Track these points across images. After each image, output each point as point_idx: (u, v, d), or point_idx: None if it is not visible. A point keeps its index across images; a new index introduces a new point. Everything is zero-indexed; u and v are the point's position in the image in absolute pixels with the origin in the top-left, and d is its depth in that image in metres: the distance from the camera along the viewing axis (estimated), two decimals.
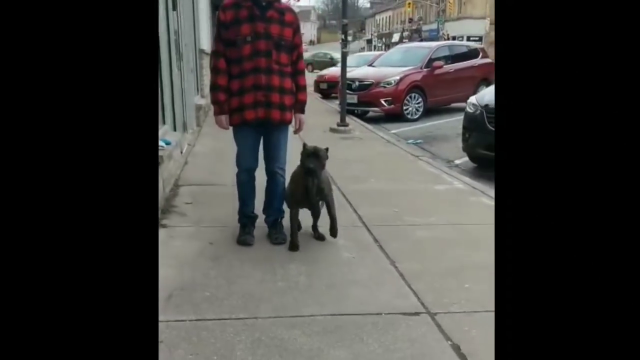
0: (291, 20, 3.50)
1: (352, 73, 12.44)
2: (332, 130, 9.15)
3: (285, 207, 3.85)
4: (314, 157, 3.53)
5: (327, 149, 3.67)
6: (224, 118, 3.56)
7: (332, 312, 2.77)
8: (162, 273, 3.10)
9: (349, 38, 9.93)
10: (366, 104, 11.69)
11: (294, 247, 3.62)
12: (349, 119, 10.32)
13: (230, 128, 3.63)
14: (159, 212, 4.27)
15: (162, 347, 2.40)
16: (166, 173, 4.68)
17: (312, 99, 15.73)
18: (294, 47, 3.56)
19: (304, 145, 3.57)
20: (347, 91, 11.64)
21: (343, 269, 3.35)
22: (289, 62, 3.54)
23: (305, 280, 3.16)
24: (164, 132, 5.02)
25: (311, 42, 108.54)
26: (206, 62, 9.17)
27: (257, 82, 3.42)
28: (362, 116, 11.90)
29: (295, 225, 3.68)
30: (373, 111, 11.87)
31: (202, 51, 10.02)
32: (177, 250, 3.55)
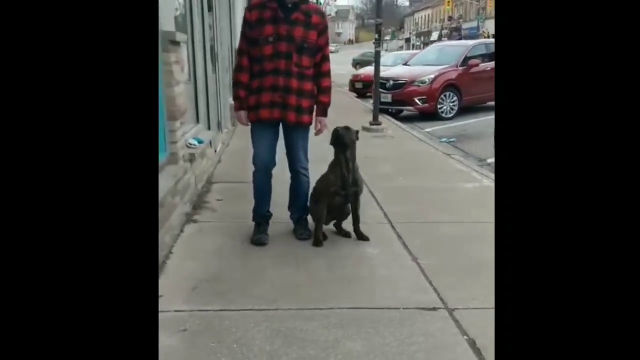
0: (317, 22, 3.50)
1: (386, 72, 12.46)
2: (365, 129, 9.17)
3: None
4: (345, 131, 3.69)
5: (357, 131, 3.81)
6: (243, 114, 3.62)
7: (350, 305, 2.84)
8: (189, 265, 3.26)
9: (387, 37, 9.97)
10: (400, 102, 11.69)
11: (317, 242, 3.69)
12: (382, 118, 10.34)
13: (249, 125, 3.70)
14: (191, 207, 4.42)
15: (185, 335, 2.52)
16: (198, 170, 4.82)
17: (347, 98, 15.85)
18: (318, 49, 3.55)
19: (335, 128, 3.70)
20: (381, 90, 11.67)
21: (364, 264, 3.42)
22: (311, 65, 3.54)
23: (326, 274, 3.24)
24: (197, 130, 5.17)
25: (350, 41, 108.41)
26: None
27: (275, 83, 3.46)
28: (396, 115, 11.90)
29: (321, 221, 3.74)
30: (407, 110, 11.86)
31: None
32: (205, 244, 3.67)
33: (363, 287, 3.08)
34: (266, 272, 3.23)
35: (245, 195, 4.85)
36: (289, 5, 3.44)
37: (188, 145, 4.63)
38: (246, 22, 3.50)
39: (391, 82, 11.84)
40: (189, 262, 3.34)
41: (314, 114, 3.70)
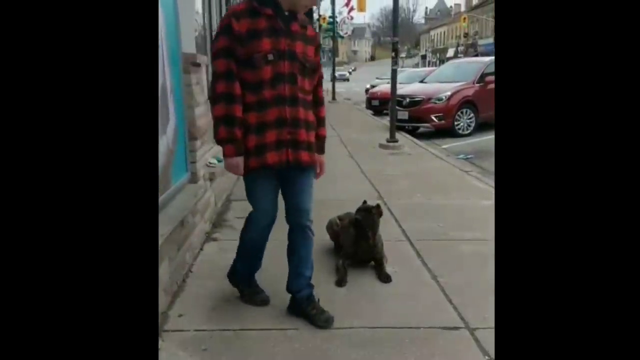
0: (313, 36, 2.81)
1: (403, 89, 12.50)
2: (382, 146, 9.21)
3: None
4: (365, 216, 3.60)
5: (378, 206, 3.71)
6: (241, 161, 2.67)
7: (371, 324, 2.84)
8: (209, 284, 3.28)
9: (403, 54, 10.00)
10: (417, 119, 11.71)
11: (342, 282, 3.41)
12: (399, 135, 10.35)
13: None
14: (211, 225, 4.45)
15: (206, 355, 2.54)
16: (218, 189, 4.87)
17: (364, 115, 15.91)
18: (316, 70, 2.83)
19: (355, 218, 3.63)
20: (398, 107, 11.72)
21: (384, 282, 3.41)
22: (311, 89, 2.81)
23: (345, 293, 3.24)
24: (217, 149, 5.21)
25: (371, 58, 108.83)
26: None
27: (282, 115, 2.65)
28: (413, 132, 11.90)
29: (344, 270, 3.53)
30: (424, 127, 11.87)
31: None
32: (226, 262, 3.66)
33: (383, 305, 3.07)
34: (281, 293, 3.23)
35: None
36: (286, 13, 2.67)
37: (208, 164, 4.68)
38: (233, 35, 2.58)
39: (408, 99, 11.87)
40: (209, 281, 3.37)
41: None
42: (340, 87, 28.47)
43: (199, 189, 3.84)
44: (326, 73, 24.96)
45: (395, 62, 9.38)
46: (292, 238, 2.93)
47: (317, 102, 2.89)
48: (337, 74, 30.52)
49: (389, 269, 3.60)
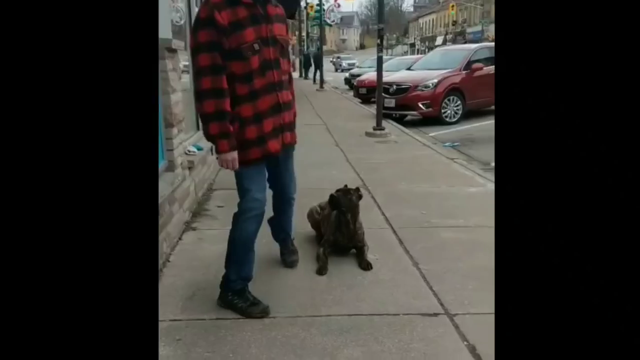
0: (283, 14, 2.80)
1: (390, 77, 12.43)
2: (368, 134, 9.16)
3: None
4: (342, 197, 3.54)
5: (358, 189, 3.66)
6: (236, 155, 2.63)
7: (350, 312, 2.80)
8: (186, 274, 3.23)
9: (392, 42, 9.93)
10: (404, 107, 11.65)
11: (322, 270, 3.35)
12: (386, 123, 10.30)
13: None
14: (191, 215, 4.39)
15: (180, 345, 2.49)
16: (198, 178, 4.80)
17: (351, 103, 15.84)
18: (288, 49, 2.88)
19: (331, 195, 3.55)
20: (385, 95, 11.67)
21: (364, 270, 3.37)
22: (288, 69, 2.84)
23: (325, 281, 3.20)
24: (198, 138, 5.13)
25: (355, 48, 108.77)
26: None
27: (275, 102, 2.68)
28: (400, 120, 11.86)
29: (325, 258, 3.47)
30: (411, 115, 11.83)
31: None
32: (204, 252, 3.64)
33: (363, 293, 3.03)
34: (264, 279, 3.18)
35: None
36: None
37: (187, 152, 4.60)
38: (217, 28, 2.49)
39: (395, 87, 11.80)
40: (186, 271, 3.31)
41: None
42: (328, 75, 28.33)
43: (175, 177, 3.77)
44: (325, 63, 25.02)
45: (380, 49, 9.31)
46: (278, 206, 3.22)
47: (290, 80, 2.89)
48: (346, 62, 30.18)
49: (370, 256, 3.56)
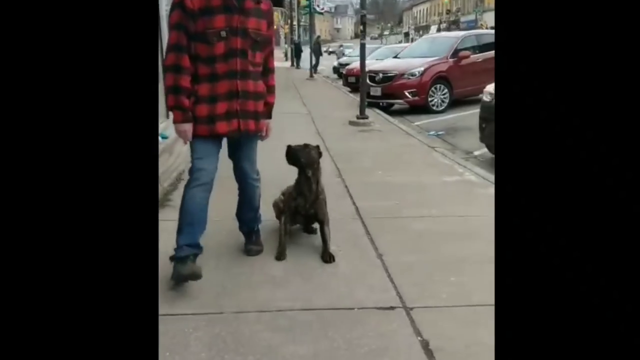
0: (266, 10, 2.98)
1: (376, 65, 12.32)
2: (351, 123, 9.01)
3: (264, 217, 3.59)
4: (300, 149, 3.38)
5: (318, 147, 3.49)
6: (189, 127, 2.85)
7: (302, 306, 2.67)
8: None
9: (386, 32, 9.78)
10: (390, 96, 11.48)
11: (280, 254, 3.31)
12: (371, 112, 10.18)
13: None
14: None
15: None
16: (163, 167, 4.65)
17: (340, 92, 15.68)
18: (267, 43, 3.04)
19: (288, 147, 3.37)
20: (371, 84, 11.55)
21: (326, 262, 3.23)
22: (261, 61, 3.03)
23: (282, 274, 3.06)
24: (166, 126, 4.98)
25: (350, 37, 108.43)
26: None
27: (232, 88, 2.86)
28: (387, 109, 11.70)
29: (285, 234, 3.41)
30: (398, 103, 11.65)
31: None
32: (162, 245, 3.48)
33: (319, 286, 2.90)
34: (218, 272, 3.06)
35: (216, 192, 4.70)
36: None
37: None
38: (187, 12, 2.75)
39: (381, 75, 11.64)
40: None
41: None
42: (320, 65, 28.10)
43: None
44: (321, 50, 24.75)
45: (363, 37, 9.16)
46: (240, 189, 3.30)
47: (266, 72, 3.10)
48: (348, 51, 30.07)
49: (333, 247, 3.42)
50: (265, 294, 2.79)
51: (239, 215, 3.44)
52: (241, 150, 3.16)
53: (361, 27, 9.17)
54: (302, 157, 3.34)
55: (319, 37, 27.00)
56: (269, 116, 3.17)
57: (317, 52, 24.36)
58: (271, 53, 3.14)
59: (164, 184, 4.70)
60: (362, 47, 9.17)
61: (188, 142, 2.96)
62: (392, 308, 2.66)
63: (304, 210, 3.41)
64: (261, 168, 3.36)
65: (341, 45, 31.79)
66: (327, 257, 3.28)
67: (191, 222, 2.91)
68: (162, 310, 2.58)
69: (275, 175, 3.81)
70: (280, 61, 46.77)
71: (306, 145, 3.42)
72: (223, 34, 2.79)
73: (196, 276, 2.78)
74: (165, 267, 2.95)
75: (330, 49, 46.27)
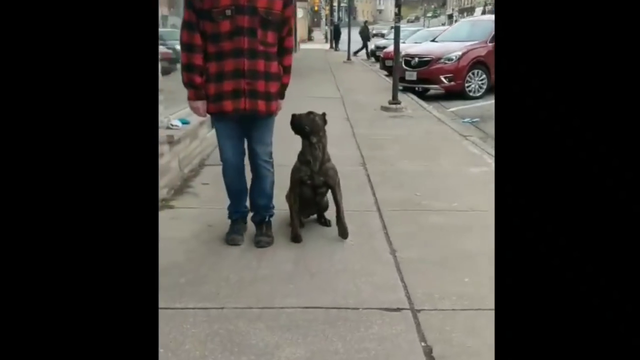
0: None
1: (412, 49, 12.07)
2: (383, 108, 8.84)
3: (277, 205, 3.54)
4: (304, 116, 3.29)
5: (324, 115, 3.38)
6: (201, 105, 3.02)
7: (306, 304, 2.58)
8: None
9: (429, 14, 9.52)
10: (425, 81, 11.22)
11: (295, 237, 3.34)
12: (405, 97, 9.99)
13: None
14: (171, 192, 4.23)
15: None
16: (183, 153, 4.62)
17: (376, 76, 15.45)
18: (284, 22, 3.01)
19: (292, 115, 3.29)
20: (407, 68, 11.32)
21: (336, 256, 3.14)
22: (275, 41, 2.99)
23: (290, 268, 2.98)
24: (188, 112, 4.94)
25: (392, 19, 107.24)
26: None
27: (239, 67, 2.88)
28: (423, 94, 11.45)
29: (292, 211, 3.40)
30: (433, 89, 11.38)
31: None
32: (172, 233, 3.46)
33: (326, 283, 2.81)
34: (225, 264, 3.00)
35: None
36: None
37: (170, 126, 4.42)
38: None
39: (417, 59, 11.37)
40: None
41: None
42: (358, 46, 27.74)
43: None
44: (355, 31, 24.63)
45: (397, 19, 8.94)
46: (252, 173, 3.30)
47: (282, 52, 3.08)
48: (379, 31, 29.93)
49: (347, 241, 3.34)
50: (269, 290, 2.72)
51: (251, 201, 3.41)
52: (253, 131, 3.15)
53: (395, 10, 8.93)
54: (306, 124, 3.27)
55: (366, 22, 26.67)
56: (282, 96, 3.20)
57: (365, 36, 24.17)
58: (289, 33, 3.09)
59: (184, 169, 4.67)
60: (397, 31, 8.95)
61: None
62: (398, 310, 2.55)
63: (310, 179, 3.32)
64: (280, 158, 3.29)
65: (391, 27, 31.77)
66: (343, 232, 3.34)
67: (233, 194, 3.35)
68: (161, 303, 2.54)
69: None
70: (320, 43, 46.56)
71: (310, 113, 3.34)
72: (228, 12, 2.81)
73: (235, 244, 3.25)
74: (170, 255, 2.93)
75: (374, 32, 45.87)
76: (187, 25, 2.93)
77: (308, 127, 3.25)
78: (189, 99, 3.06)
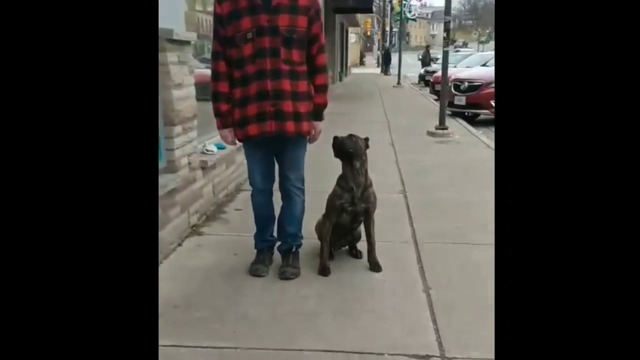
0: (306, 5, 2.82)
1: (462, 73, 11.79)
2: (429, 133, 8.60)
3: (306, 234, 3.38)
4: (346, 139, 3.15)
5: (367, 139, 3.23)
6: (227, 133, 2.99)
7: (325, 347, 2.39)
8: (165, 286, 2.93)
9: (483, 38, 9.29)
10: (475, 106, 10.93)
11: (323, 270, 3.17)
12: (453, 122, 9.73)
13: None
14: (203, 218, 4.13)
15: None
16: (218, 178, 4.53)
17: (425, 100, 15.21)
18: (312, 40, 2.89)
19: (334, 137, 3.15)
20: (456, 92, 11.07)
21: (364, 293, 2.94)
22: (303, 60, 2.88)
23: (313, 305, 2.79)
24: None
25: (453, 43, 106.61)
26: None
27: (263, 89, 2.80)
28: (473, 119, 11.15)
29: (325, 241, 3.22)
30: (483, 114, 11.06)
31: None
32: (196, 261, 3.34)
33: (350, 323, 2.61)
34: (245, 299, 2.84)
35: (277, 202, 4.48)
36: None
37: (205, 151, 4.34)
38: (217, 18, 2.85)
39: (466, 83, 11.11)
40: (167, 283, 2.99)
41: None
42: (411, 71, 27.54)
43: (172, 180, 3.48)
44: (408, 56, 24.34)
45: (446, 44, 8.72)
46: (282, 199, 3.20)
47: (313, 71, 2.96)
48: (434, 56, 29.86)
49: (377, 276, 3.14)
50: (288, 329, 2.54)
51: (279, 228, 3.30)
52: (284, 155, 3.06)
53: (444, 34, 8.72)
54: (350, 147, 3.12)
55: (428, 46, 26.54)
56: (318, 118, 3.05)
57: (425, 62, 24.08)
58: (320, 50, 2.96)
59: (219, 194, 4.58)
60: (445, 55, 8.73)
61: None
62: (427, 357, 2.32)
63: (351, 205, 3.15)
64: (310, 184, 3.12)
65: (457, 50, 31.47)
66: (375, 266, 3.19)
67: (259, 221, 3.26)
68: (173, 340, 2.42)
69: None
70: (371, 67, 46.66)
71: (352, 135, 3.19)
72: (249, 35, 2.77)
73: (257, 275, 3.13)
74: (189, 285, 2.80)
75: (420, 56, 45.68)
76: (213, 55, 2.92)
77: (352, 150, 3.11)
78: (217, 127, 3.03)
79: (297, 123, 2.89)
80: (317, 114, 3.02)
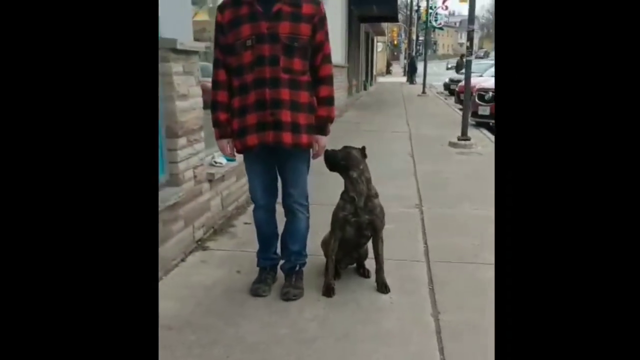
0: (310, 13, 2.69)
1: (486, 83, 11.54)
2: (451, 144, 8.40)
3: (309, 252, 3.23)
4: (335, 152, 3.03)
5: (363, 148, 3.09)
6: (225, 143, 2.87)
7: None
8: (164, 305, 2.80)
9: None
10: None
11: (328, 290, 3.03)
12: (477, 133, 9.52)
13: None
14: (211, 232, 4.03)
15: None
16: (227, 191, 4.42)
17: (449, 109, 14.98)
18: (316, 49, 2.75)
19: (325, 151, 2.98)
20: (480, 102, 10.87)
21: (370, 316, 2.78)
22: (305, 69, 2.74)
23: (314, 328, 2.65)
24: None
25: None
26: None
27: (261, 97, 2.68)
28: None
29: (330, 257, 3.09)
30: None
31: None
32: (197, 278, 3.23)
33: (351, 350, 2.46)
34: (244, 320, 2.71)
35: (281, 219, 4.37)
36: None
37: (213, 163, 4.25)
38: (218, 26, 2.76)
39: (490, 93, 10.87)
40: (166, 302, 2.87)
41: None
42: (437, 80, 27.23)
43: (174, 194, 3.38)
44: (435, 65, 24.07)
45: (470, 53, 8.53)
46: (285, 215, 3.07)
47: (317, 82, 2.82)
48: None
49: (384, 297, 2.98)
50: (285, 355, 2.41)
51: (282, 246, 3.16)
52: (286, 170, 2.93)
53: (467, 44, 8.54)
54: (341, 159, 3.00)
55: (463, 55, 26.33)
56: (322, 132, 2.86)
57: (460, 69, 23.88)
58: (324, 60, 2.81)
59: (228, 207, 4.47)
60: (468, 64, 8.53)
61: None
62: None
63: (354, 216, 3.00)
64: (315, 199, 3.00)
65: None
66: (382, 287, 3.05)
67: (261, 238, 3.13)
68: None
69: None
70: (398, 76, 46.42)
71: (345, 147, 3.08)
72: (249, 42, 2.67)
73: (258, 295, 3.00)
74: (187, 305, 2.68)
75: (449, 65, 45.23)
76: (214, 63, 2.83)
77: (344, 162, 2.98)
78: (215, 138, 2.92)
79: (295, 135, 2.74)
80: (321, 127, 2.85)
